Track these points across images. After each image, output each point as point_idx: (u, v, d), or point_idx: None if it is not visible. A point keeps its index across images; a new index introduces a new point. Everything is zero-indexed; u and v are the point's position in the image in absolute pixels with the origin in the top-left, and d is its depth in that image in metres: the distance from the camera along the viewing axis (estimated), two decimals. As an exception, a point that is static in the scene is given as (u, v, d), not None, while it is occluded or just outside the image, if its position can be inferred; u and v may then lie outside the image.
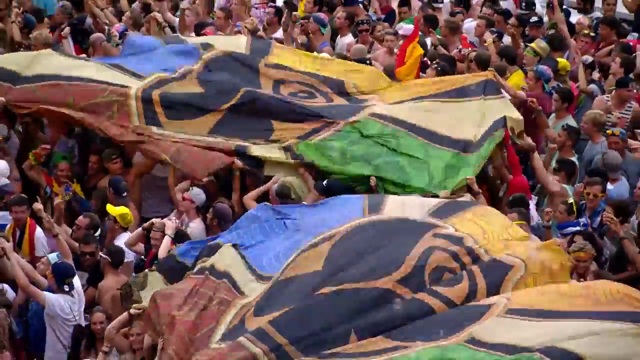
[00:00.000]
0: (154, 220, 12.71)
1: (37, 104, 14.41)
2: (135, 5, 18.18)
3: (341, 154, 13.69)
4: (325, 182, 13.36)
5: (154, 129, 13.96)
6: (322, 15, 17.81)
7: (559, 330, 9.99)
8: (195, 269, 11.42)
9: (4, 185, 13.78)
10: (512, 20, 17.37)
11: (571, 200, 12.87)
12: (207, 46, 15.00)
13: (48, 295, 12.06)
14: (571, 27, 17.62)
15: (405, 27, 17.11)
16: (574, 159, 14.08)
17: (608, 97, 15.35)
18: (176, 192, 13.77)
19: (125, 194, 13.72)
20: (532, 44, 16.23)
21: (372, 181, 13.29)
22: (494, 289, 10.70)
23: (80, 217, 13.26)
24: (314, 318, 10.74)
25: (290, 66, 14.92)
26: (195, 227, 13.30)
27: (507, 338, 10.01)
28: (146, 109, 14.12)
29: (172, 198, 13.89)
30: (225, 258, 11.47)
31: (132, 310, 11.42)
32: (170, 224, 12.44)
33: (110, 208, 13.26)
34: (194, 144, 13.89)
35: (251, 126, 14.10)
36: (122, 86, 14.22)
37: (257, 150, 13.77)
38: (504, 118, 13.57)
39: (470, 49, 16.58)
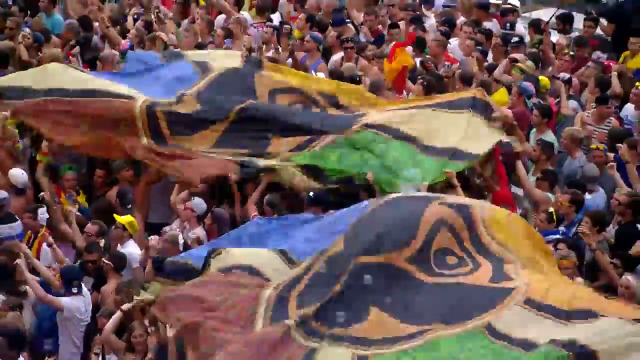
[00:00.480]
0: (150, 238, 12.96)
1: (47, 122, 14.50)
2: (138, 24, 18.28)
3: (337, 160, 13.78)
4: (312, 194, 13.51)
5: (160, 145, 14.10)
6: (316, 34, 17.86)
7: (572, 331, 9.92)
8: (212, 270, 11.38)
9: (3, 198, 13.86)
10: (496, 40, 17.58)
11: (551, 209, 13.07)
12: (205, 69, 14.97)
13: (64, 300, 12.23)
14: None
15: None
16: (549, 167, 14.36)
17: (589, 113, 15.43)
18: (178, 202, 13.93)
19: (130, 205, 13.90)
20: (519, 63, 16.42)
21: (370, 176, 13.40)
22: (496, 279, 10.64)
23: (89, 225, 13.41)
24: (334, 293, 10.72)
25: (284, 79, 14.96)
26: (197, 234, 13.35)
27: (522, 332, 9.99)
28: (150, 122, 14.18)
29: (174, 209, 14.02)
30: (238, 255, 11.45)
31: (124, 306, 11.44)
32: (154, 243, 12.59)
33: (118, 217, 13.41)
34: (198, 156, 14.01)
35: (249, 139, 14.14)
36: (128, 97, 14.34)
37: (260, 162, 13.88)
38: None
39: (457, 64, 16.81)
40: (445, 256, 10.93)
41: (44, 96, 14.53)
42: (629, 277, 11.48)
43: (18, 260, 12.39)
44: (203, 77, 14.81)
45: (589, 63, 16.92)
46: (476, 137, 13.78)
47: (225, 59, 15.26)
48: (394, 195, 11.97)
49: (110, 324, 11.53)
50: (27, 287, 12.45)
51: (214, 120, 14.22)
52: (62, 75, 14.96)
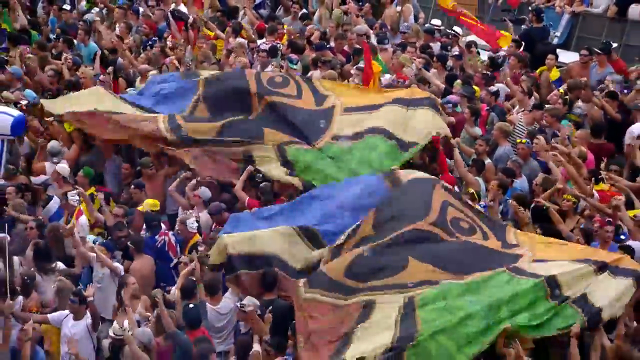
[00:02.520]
0: None
1: (87, 124, 14.79)
2: (154, 50, 18.54)
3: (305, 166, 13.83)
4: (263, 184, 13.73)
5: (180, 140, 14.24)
6: (293, 55, 18.01)
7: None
8: None
9: (47, 179, 14.61)
10: (435, 59, 17.91)
11: (472, 190, 13.24)
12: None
13: (120, 266, 12.49)
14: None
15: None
16: (487, 160, 14.33)
17: (521, 118, 15.22)
18: (187, 190, 13.96)
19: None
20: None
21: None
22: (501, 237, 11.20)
23: (116, 208, 13.72)
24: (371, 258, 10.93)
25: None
26: (203, 216, 13.61)
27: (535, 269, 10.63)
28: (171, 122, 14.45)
29: (172, 196, 14.14)
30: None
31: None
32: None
33: (145, 203, 13.75)
34: (210, 149, 14.11)
35: (248, 131, 14.26)
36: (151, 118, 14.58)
37: (258, 152, 13.97)
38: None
39: (407, 80, 16.97)
40: (459, 221, 11.33)
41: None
42: None
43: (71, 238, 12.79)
44: (202, 79, 15.14)
45: (523, 76, 16.77)
46: (421, 127, 14.05)
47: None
48: (403, 175, 12.11)
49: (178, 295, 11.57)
50: (58, 263, 12.66)
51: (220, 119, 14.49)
52: (99, 99, 15.26)
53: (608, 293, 10.35)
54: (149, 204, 13.64)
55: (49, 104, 15.53)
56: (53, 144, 15.16)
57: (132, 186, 14.21)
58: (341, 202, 12.17)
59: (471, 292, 10.35)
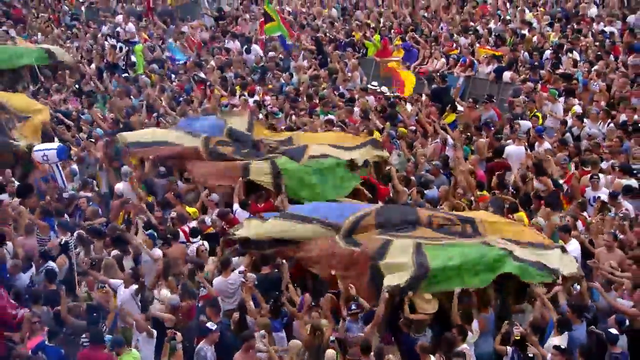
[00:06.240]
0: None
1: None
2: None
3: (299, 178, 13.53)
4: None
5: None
6: (275, 109, 18.09)
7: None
8: None
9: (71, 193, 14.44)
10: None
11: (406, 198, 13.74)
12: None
13: (159, 252, 12.34)
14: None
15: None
16: (412, 177, 14.43)
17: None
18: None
19: (182, 199, 14.02)
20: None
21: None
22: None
23: (156, 212, 13.48)
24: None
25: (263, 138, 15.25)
26: (214, 215, 13.33)
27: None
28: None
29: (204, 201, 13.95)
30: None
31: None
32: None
33: (187, 209, 13.67)
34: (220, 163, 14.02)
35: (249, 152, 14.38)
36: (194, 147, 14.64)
37: (252, 172, 13.63)
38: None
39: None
40: (447, 227, 11.25)
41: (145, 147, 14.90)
42: None
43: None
44: (226, 125, 15.24)
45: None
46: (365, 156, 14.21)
47: (239, 122, 15.58)
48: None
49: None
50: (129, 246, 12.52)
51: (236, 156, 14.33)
52: (154, 133, 15.44)
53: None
54: (191, 212, 13.65)
55: (123, 137, 15.38)
56: (125, 168, 15.20)
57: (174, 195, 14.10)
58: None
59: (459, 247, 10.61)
